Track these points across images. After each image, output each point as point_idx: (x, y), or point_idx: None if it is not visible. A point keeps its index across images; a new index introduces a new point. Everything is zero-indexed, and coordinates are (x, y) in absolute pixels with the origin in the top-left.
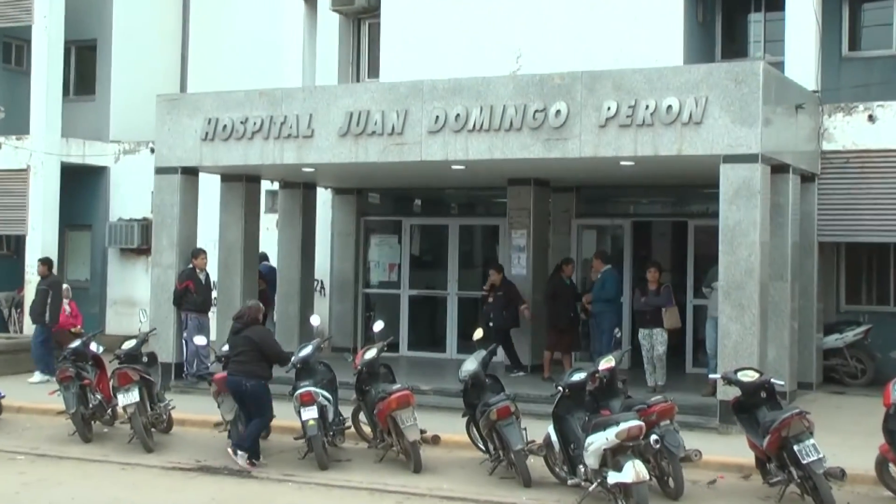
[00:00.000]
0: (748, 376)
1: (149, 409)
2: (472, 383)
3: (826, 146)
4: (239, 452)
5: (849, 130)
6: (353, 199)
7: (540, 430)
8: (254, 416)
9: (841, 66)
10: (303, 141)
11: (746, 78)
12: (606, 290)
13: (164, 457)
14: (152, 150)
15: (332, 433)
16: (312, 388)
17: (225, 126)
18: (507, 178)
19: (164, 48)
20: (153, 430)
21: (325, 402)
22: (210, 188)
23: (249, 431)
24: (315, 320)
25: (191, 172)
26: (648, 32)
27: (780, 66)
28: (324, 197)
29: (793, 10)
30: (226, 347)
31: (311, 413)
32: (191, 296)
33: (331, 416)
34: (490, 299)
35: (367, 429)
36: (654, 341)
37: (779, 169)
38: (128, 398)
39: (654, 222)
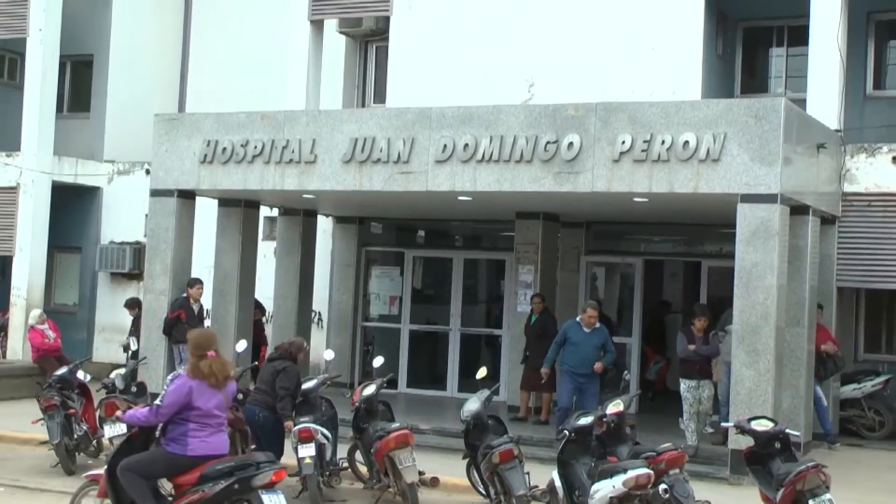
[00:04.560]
0: (762, 425)
1: None
2: (474, 424)
3: (848, 188)
4: None
5: (872, 172)
6: (355, 229)
7: (544, 475)
8: (264, 450)
9: (865, 105)
10: (305, 166)
11: (767, 114)
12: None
13: None
14: (147, 172)
15: (328, 472)
16: (312, 425)
17: (224, 149)
18: (515, 212)
19: (163, 66)
20: None
21: (324, 441)
22: (206, 212)
23: None
24: (329, 355)
25: (187, 196)
26: (666, 64)
27: (801, 103)
28: (324, 225)
29: (816, 45)
30: None
31: (308, 451)
32: (182, 325)
33: (329, 454)
34: None
35: (363, 468)
36: (702, 394)
37: (798, 210)
38: (115, 430)
39: (666, 261)
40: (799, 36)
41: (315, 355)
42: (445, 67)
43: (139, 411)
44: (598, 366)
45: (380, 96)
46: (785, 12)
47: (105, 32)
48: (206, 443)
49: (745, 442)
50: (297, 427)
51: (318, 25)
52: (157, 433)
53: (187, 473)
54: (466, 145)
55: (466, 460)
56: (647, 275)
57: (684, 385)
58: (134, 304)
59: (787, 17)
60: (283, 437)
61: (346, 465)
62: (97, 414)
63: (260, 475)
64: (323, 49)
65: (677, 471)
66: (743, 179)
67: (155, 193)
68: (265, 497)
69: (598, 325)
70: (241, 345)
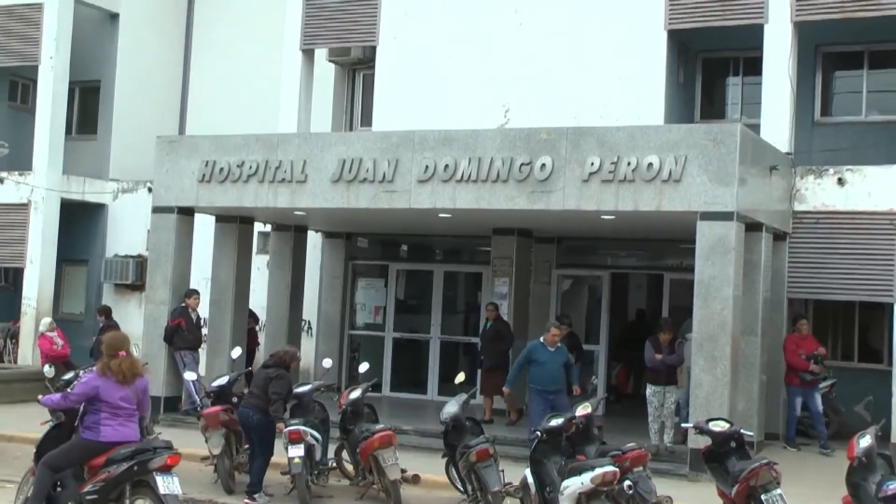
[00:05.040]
0: (719, 426)
1: None
2: (453, 425)
3: (797, 206)
4: (255, 496)
5: (819, 192)
6: (343, 243)
7: (517, 472)
8: (256, 450)
9: (813, 130)
10: (296, 185)
11: (724, 139)
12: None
13: None
14: (150, 190)
15: (317, 472)
16: (301, 427)
17: (222, 169)
18: (491, 228)
19: (165, 91)
20: None
21: (314, 442)
22: (204, 228)
23: (254, 470)
24: (327, 363)
25: (187, 212)
26: (632, 92)
27: (756, 128)
28: (314, 240)
29: (769, 75)
30: (215, 383)
31: (297, 451)
32: (182, 333)
33: (318, 455)
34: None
35: (349, 466)
36: (667, 400)
37: (752, 227)
38: None
39: (631, 274)
40: (754, 66)
41: (305, 361)
42: (427, 93)
43: (53, 396)
44: (577, 389)
45: (366, 120)
46: (741, 45)
47: (111, 60)
48: (117, 430)
49: (704, 441)
50: (287, 429)
51: (309, 54)
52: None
53: (99, 457)
54: (447, 166)
55: (445, 459)
56: (613, 287)
57: (650, 390)
58: (102, 311)
59: (743, 49)
60: (274, 438)
61: (334, 464)
62: None
63: (155, 459)
64: (314, 76)
65: (641, 468)
66: (702, 199)
67: (156, 210)
68: (159, 478)
69: (559, 344)
70: (236, 351)
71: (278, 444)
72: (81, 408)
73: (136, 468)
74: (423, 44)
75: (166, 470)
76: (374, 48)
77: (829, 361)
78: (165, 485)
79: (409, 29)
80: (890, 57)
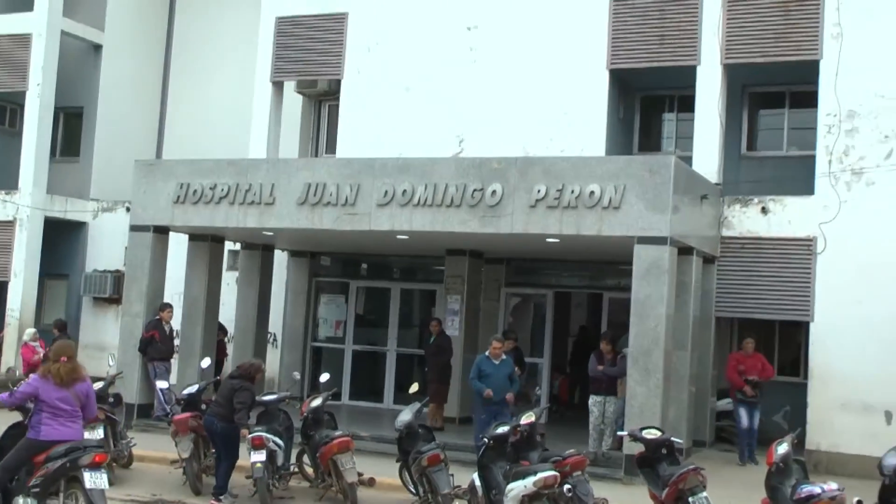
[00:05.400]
0: (652, 434)
1: (112, 445)
2: (407, 432)
3: (725, 232)
4: (221, 497)
5: (745, 220)
6: (307, 262)
7: (466, 476)
8: (221, 455)
9: (740, 163)
10: (265, 207)
11: (659, 170)
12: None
13: (124, 490)
14: (128, 209)
15: (278, 476)
16: (264, 434)
17: (195, 191)
18: (445, 249)
19: (144, 117)
20: (115, 465)
21: (276, 448)
22: (178, 246)
23: (220, 473)
24: (296, 376)
25: (162, 231)
26: (576, 125)
27: (688, 160)
28: (280, 258)
29: (701, 112)
30: (185, 391)
31: (259, 456)
32: (156, 344)
33: (280, 460)
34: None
35: (310, 470)
36: (607, 409)
37: (684, 251)
38: (94, 435)
39: (573, 293)
40: (687, 104)
41: (270, 371)
42: (388, 124)
43: (3, 395)
44: (509, 396)
45: (331, 148)
46: (676, 84)
47: (94, 88)
48: (56, 430)
49: (638, 448)
50: (250, 435)
51: (278, 86)
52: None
53: (41, 454)
54: (405, 191)
55: (399, 463)
56: (557, 304)
57: (592, 399)
58: (57, 326)
59: (678, 88)
60: (238, 443)
61: (296, 468)
62: None
63: (84, 456)
64: (282, 106)
65: (580, 473)
66: (639, 224)
67: (134, 228)
68: (87, 474)
69: (504, 356)
70: (206, 362)
71: (243, 449)
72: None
73: (67, 465)
74: (385, 78)
75: (95, 466)
76: (339, 81)
77: (752, 375)
78: (92, 480)
79: (371, 64)
80: (808, 98)
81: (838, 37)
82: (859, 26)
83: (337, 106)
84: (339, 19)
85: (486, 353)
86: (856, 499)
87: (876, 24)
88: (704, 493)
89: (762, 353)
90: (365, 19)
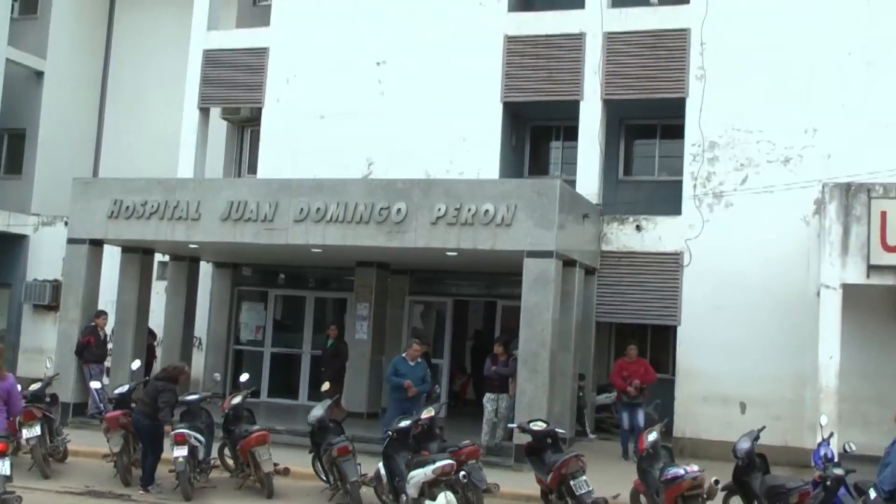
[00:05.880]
0: (538, 426)
1: (48, 441)
2: (319, 426)
3: (604, 247)
4: (148, 488)
5: (621, 236)
6: (230, 272)
7: (372, 465)
8: (148, 450)
9: (617, 186)
10: (191, 223)
11: (546, 192)
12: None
13: (59, 482)
14: (66, 223)
15: (199, 469)
16: (186, 430)
17: (128, 207)
18: (355, 261)
19: (82, 138)
20: (51, 459)
21: (197, 443)
22: (111, 257)
23: (146, 466)
24: (217, 377)
25: (97, 244)
26: (473, 151)
27: (572, 183)
28: (205, 269)
29: (583, 141)
30: (117, 391)
31: (181, 452)
32: (91, 348)
33: (201, 454)
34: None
35: (231, 462)
36: (500, 405)
37: (568, 263)
38: (31, 432)
39: (470, 301)
40: (571, 134)
41: (195, 373)
42: (304, 148)
43: None
44: (412, 390)
45: (252, 169)
46: (562, 115)
47: (36, 111)
48: None
49: (526, 439)
50: (173, 432)
51: (205, 112)
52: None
53: None
54: (318, 209)
55: (312, 454)
56: (455, 311)
57: (487, 397)
58: None
59: (564, 119)
60: (163, 439)
61: (217, 462)
62: (17, 419)
63: None
64: (209, 130)
65: (474, 461)
66: (528, 240)
67: (71, 241)
68: None
69: (419, 359)
70: (136, 364)
71: (167, 445)
72: None
73: None
74: (302, 106)
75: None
76: (260, 109)
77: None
78: None
79: (289, 93)
80: (676, 130)
81: (702, 78)
82: (719, 69)
83: (258, 131)
84: (261, 53)
85: (403, 355)
86: (714, 478)
87: (733, 67)
88: (584, 477)
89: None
90: (284, 53)
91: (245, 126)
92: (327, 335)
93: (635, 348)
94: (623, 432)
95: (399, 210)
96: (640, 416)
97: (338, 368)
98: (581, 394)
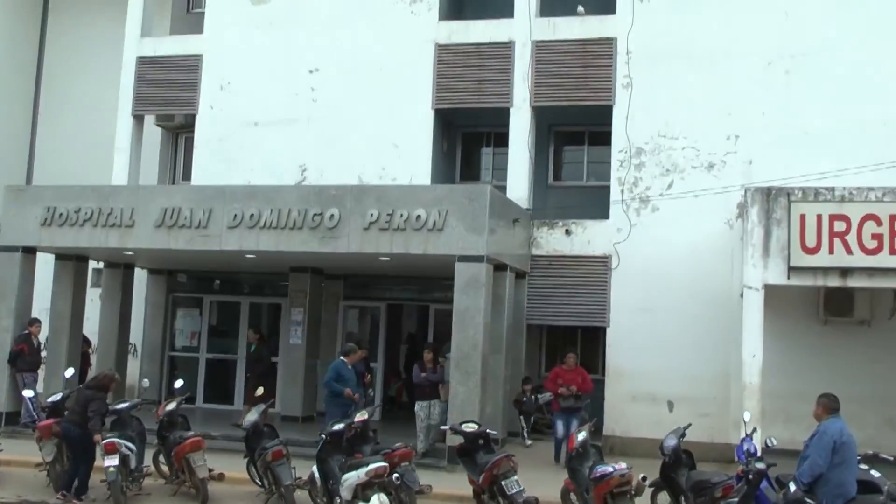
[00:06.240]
0: (470, 427)
1: None
2: (253, 431)
3: (535, 251)
4: (64, 493)
5: (551, 240)
6: (164, 279)
7: (307, 469)
8: (78, 459)
9: (547, 191)
10: (125, 230)
11: (477, 197)
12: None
13: None
14: None
15: (131, 478)
16: (116, 440)
17: (61, 214)
18: (289, 267)
19: (15, 145)
20: None
21: (128, 452)
22: (45, 264)
23: (79, 475)
24: (146, 383)
25: (30, 251)
26: (406, 157)
27: (503, 189)
28: (140, 275)
29: (513, 147)
30: (50, 399)
31: (112, 461)
32: (24, 357)
33: (133, 463)
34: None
35: (165, 468)
36: (432, 411)
37: (499, 267)
38: None
39: (404, 305)
40: (502, 140)
41: (130, 379)
42: (238, 155)
43: None
44: (356, 396)
45: (186, 175)
46: (492, 122)
47: None
48: None
49: (458, 440)
50: (103, 441)
51: (139, 119)
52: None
53: None
54: (252, 215)
55: (247, 459)
56: (389, 316)
57: (418, 405)
58: None
59: (494, 126)
60: (94, 448)
61: (151, 469)
62: None
63: None
64: (143, 137)
65: (407, 463)
66: (459, 245)
67: (3, 249)
68: None
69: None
70: (69, 372)
71: (99, 454)
72: None
73: None
74: (235, 113)
75: None
76: (194, 116)
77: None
78: None
79: (223, 100)
80: (604, 136)
81: (628, 86)
82: (645, 77)
83: (192, 138)
84: (195, 60)
85: (343, 359)
86: (641, 475)
87: (658, 75)
88: (515, 477)
89: (560, 355)
90: (218, 61)
91: (179, 133)
92: (249, 341)
93: (574, 356)
94: (556, 439)
95: (332, 216)
96: (576, 425)
97: (260, 373)
98: (525, 398)
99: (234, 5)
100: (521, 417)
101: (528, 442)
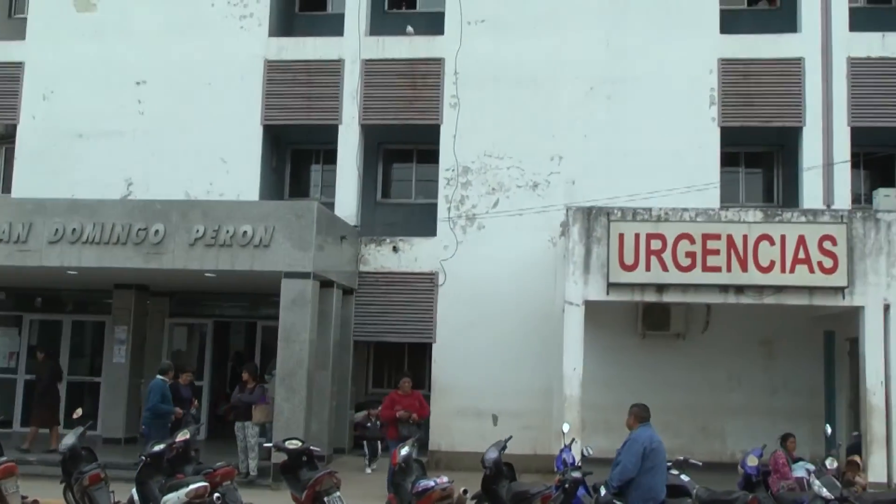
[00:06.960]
0: (293, 444)
1: None
2: (70, 455)
3: (363, 268)
4: None
5: (379, 257)
6: None
7: (126, 492)
8: None
9: (376, 208)
10: None
11: (304, 213)
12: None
13: None
14: None
15: None
16: None
17: None
18: (113, 283)
19: None
20: None
21: None
22: None
23: None
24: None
25: None
26: (234, 172)
27: (331, 206)
28: None
29: (342, 164)
30: None
31: None
32: None
33: None
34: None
35: None
36: (246, 433)
37: (326, 284)
38: None
39: (232, 322)
40: (331, 157)
41: None
42: (61, 167)
43: None
44: (178, 411)
45: (6, 188)
46: (322, 139)
47: None
48: None
49: (282, 457)
50: None
51: None
52: None
53: None
54: (74, 230)
55: (63, 484)
56: (216, 333)
57: (237, 426)
58: None
59: (323, 143)
60: None
61: None
62: None
63: None
64: None
65: (229, 482)
66: (286, 261)
67: None
68: None
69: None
70: None
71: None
72: None
73: None
74: (59, 124)
75: None
76: (15, 125)
77: (385, 390)
78: None
79: (46, 110)
80: (432, 154)
81: (456, 106)
82: (472, 98)
83: (12, 148)
84: (16, 67)
85: (165, 380)
86: (462, 488)
87: (485, 96)
88: (338, 493)
89: (395, 369)
90: (41, 69)
91: None
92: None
93: (409, 381)
94: (390, 468)
95: (157, 231)
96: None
97: (41, 392)
98: (370, 423)
99: (60, 12)
100: (365, 443)
101: (369, 470)
